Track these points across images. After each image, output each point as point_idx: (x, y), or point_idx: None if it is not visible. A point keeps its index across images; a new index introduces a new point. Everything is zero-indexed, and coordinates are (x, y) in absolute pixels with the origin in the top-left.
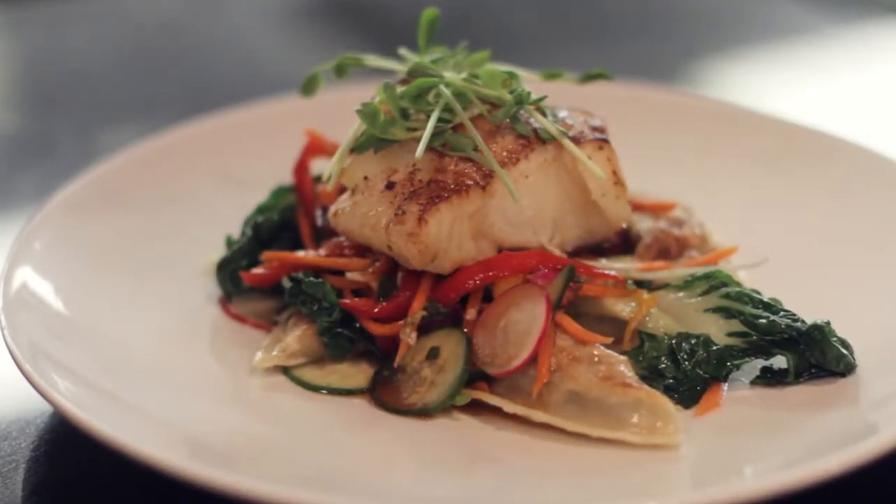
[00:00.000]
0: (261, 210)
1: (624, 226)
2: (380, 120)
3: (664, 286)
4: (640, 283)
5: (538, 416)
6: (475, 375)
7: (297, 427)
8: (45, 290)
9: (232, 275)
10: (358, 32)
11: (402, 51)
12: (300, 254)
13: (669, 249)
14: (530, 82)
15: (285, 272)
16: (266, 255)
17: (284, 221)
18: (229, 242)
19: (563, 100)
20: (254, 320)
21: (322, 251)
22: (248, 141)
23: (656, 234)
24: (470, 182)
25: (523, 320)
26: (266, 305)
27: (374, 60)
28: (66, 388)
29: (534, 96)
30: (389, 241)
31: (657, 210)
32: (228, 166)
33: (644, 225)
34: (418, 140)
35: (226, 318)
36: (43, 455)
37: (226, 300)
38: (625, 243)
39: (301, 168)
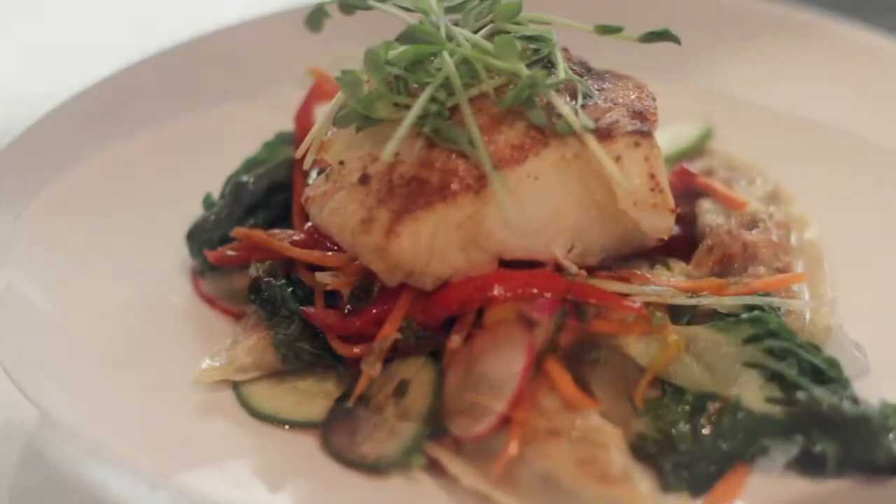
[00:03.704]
0: (249, 165)
1: (676, 229)
2: (362, 93)
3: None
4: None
5: (501, 498)
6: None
7: (224, 463)
8: None
9: (204, 246)
10: None
11: None
12: (276, 234)
13: (733, 258)
14: (580, 39)
15: (255, 257)
16: (236, 232)
17: (278, 181)
18: (207, 203)
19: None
20: (224, 305)
21: (297, 236)
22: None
23: (722, 237)
24: (457, 187)
25: (498, 373)
26: (245, 283)
27: (378, 4)
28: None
29: (556, 75)
30: (356, 249)
31: (730, 204)
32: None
33: (711, 218)
34: None
35: (194, 297)
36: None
37: (198, 273)
38: (688, 238)
39: (304, 114)
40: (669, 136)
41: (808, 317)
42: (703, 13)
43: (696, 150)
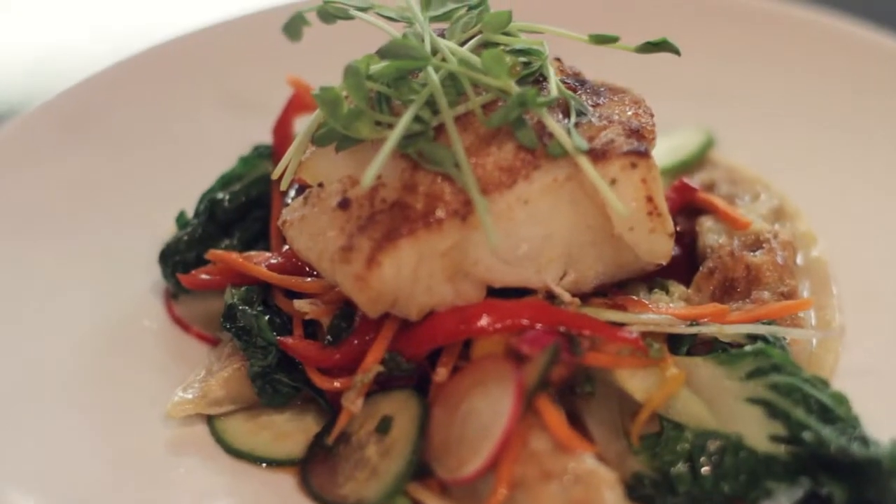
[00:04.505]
0: (224, 181)
1: (675, 250)
2: (342, 111)
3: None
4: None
5: None
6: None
7: None
8: None
9: (177, 268)
10: None
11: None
12: (252, 256)
13: (736, 282)
14: (574, 49)
15: (231, 280)
16: (211, 254)
17: (255, 198)
18: (181, 222)
19: None
20: (198, 330)
21: (274, 258)
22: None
23: (723, 259)
24: (443, 213)
25: (485, 412)
26: (220, 306)
27: (360, 13)
28: None
29: (548, 91)
30: (335, 278)
31: (733, 224)
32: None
33: (712, 238)
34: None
35: (167, 321)
36: None
37: (171, 296)
38: (688, 258)
39: (282, 127)
40: (668, 147)
41: (814, 344)
42: (704, 14)
43: (697, 160)
